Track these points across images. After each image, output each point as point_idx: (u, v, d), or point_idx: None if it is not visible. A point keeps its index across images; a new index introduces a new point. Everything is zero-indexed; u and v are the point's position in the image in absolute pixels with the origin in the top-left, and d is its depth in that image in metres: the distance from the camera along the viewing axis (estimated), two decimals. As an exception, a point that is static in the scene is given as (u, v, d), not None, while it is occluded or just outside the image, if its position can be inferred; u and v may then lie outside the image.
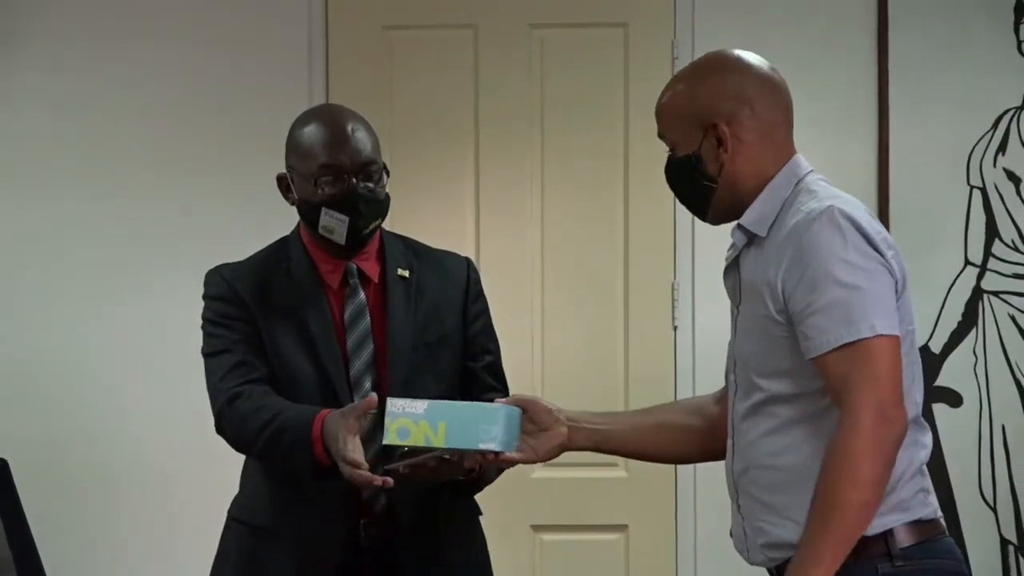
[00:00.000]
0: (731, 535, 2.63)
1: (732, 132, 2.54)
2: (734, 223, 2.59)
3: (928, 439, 2.51)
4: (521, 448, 2.72)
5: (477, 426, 2.64)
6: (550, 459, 2.80)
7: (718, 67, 2.62)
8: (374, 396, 2.71)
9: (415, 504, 2.90)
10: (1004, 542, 4.49)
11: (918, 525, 2.43)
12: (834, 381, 2.36)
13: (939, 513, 2.50)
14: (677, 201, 4.38)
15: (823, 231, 2.38)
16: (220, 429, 2.91)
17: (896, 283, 2.42)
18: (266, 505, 2.94)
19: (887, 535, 2.40)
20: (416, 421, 2.63)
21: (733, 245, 2.60)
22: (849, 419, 2.31)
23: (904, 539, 2.41)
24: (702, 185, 2.59)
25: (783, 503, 2.46)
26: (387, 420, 2.64)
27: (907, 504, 2.43)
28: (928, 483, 2.50)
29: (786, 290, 2.41)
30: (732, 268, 2.62)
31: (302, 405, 2.82)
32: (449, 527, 2.96)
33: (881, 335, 2.33)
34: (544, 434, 2.76)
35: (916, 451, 2.46)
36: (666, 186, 2.70)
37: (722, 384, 2.77)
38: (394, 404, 2.65)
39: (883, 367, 2.33)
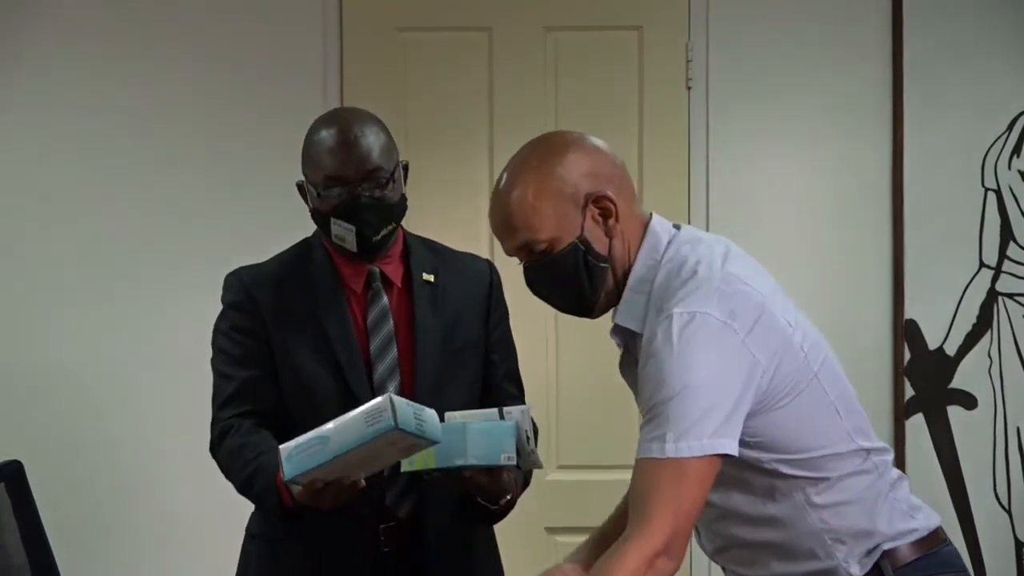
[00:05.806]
0: None
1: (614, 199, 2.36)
2: (611, 327, 2.45)
3: (884, 458, 2.42)
4: None
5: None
6: None
7: (563, 147, 2.41)
8: None
9: (439, 510, 2.89)
10: (1019, 544, 4.48)
11: (912, 545, 2.38)
12: (636, 490, 2.23)
13: (933, 524, 2.43)
14: (691, 206, 4.48)
15: (665, 337, 2.24)
16: (214, 456, 2.96)
17: (759, 363, 2.26)
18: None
19: (879, 564, 2.35)
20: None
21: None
22: (634, 543, 2.19)
23: (899, 559, 2.36)
24: (597, 268, 2.38)
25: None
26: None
27: (889, 535, 2.37)
28: (909, 500, 2.42)
29: (642, 392, 2.30)
30: (628, 362, 2.47)
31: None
32: (473, 534, 2.97)
33: (692, 457, 2.19)
34: None
35: (874, 480, 2.38)
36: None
37: None
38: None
39: (687, 493, 2.19)
